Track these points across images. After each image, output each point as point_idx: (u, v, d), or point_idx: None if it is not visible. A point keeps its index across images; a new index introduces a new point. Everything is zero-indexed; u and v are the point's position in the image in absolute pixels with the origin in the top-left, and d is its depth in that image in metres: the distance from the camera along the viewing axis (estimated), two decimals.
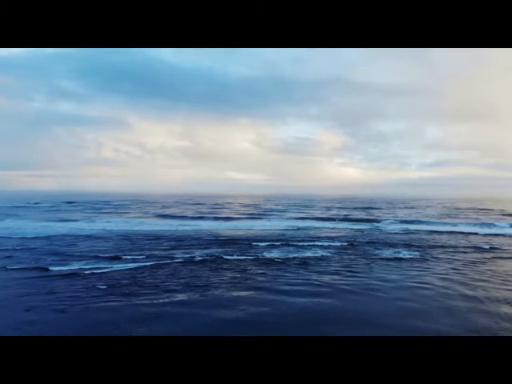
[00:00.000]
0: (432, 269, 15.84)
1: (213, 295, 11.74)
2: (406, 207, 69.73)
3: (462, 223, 36.45)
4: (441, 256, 18.98)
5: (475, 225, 34.92)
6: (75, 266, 15.90)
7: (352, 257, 18.53)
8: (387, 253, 19.92)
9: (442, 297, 11.63)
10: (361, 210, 61.41)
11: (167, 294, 11.70)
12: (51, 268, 15.32)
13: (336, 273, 14.97)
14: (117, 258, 17.61)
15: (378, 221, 39.00)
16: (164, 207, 67.58)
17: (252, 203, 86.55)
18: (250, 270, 15.55)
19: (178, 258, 17.85)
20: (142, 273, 14.77)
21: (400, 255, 19.06)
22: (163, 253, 19.18)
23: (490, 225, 34.35)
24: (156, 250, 20.24)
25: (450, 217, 46.83)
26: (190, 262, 17.01)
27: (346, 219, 41.22)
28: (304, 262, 17.04)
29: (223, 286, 12.97)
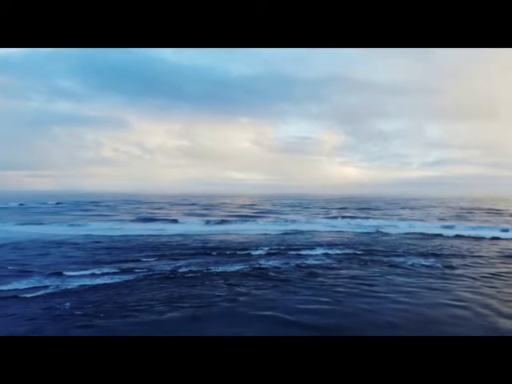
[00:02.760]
0: (459, 285, 13.43)
1: (199, 331, 9.06)
2: (410, 207, 67.14)
3: (474, 226, 34.02)
4: (466, 268, 16.41)
5: (485, 228, 32.42)
6: (30, 282, 13.44)
7: (364, 267, 16.49)
8: (400, 260, 17.91)
9: (484, 330, 9.27)
10: (363, 210, 58.62)
11: (137, 327, 9.32)
12: None
13: (352, 291, 12.52)
14: (74, 274, 14.70)
15: (383, 223, 37.12)
16: (155, 208, 63.58)
17: (250, 203, 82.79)
18: (246, 287, 13.12)
19: (157, 270, 15.49)
20: (109, 291, 12.40)
21: (417, 266, 16.81)
22: (142, 264, 16.84)
23: (505, 229, 31.64)
24: (134, 260, 17.80)
25: (458, 218, 44.32)
26: (172, 276, 14.45)
27: (349, 222, 39.16)
28: (310, 275, 14.90)
29: (214, 313, 10.30)
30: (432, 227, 33.57)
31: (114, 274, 14.91)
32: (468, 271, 15.79)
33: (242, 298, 11.76)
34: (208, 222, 38.48)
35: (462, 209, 61.70)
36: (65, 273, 15.03)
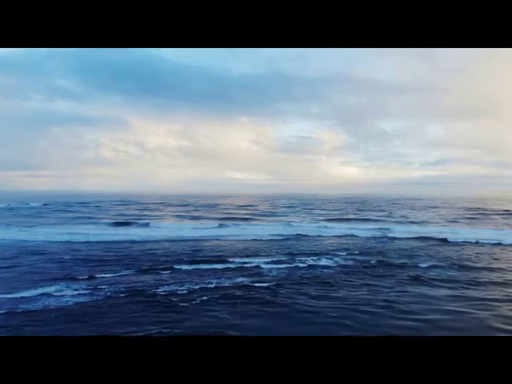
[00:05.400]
0: (502, 307, 11.45)
1: None
2: (414, 208, 64.49)
3: (490, 231, 31.05)
4: (503, 285, 14.11)
5: (504, 232, 29.96)
6: None
7: (383, 280, 14.43)
8: (422, 273, 15.76)
9: None
10: (366, 212, 56.29)
11: None
12: None
13: (384, 321, 10.21)
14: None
15: (389, 226, 35.01)
16: (149, 209, 60.97)
17: (248, 204, 79.45)
18: (243, 311, 10.86)
19: (135, 287, 13.31)
20: (85, 314, 10.51)
21: (444, 280, 14.63)
22: (120, 278, 14.64)
23: None
24: (108, 273, 15.63)
25: (470, 220, 42.07)
26: (151, 300, 11.99)
27: (353, 224, 37.33)
28: (323, 294, 12.67)
29: None
30: (446, 232, 30.43)
31: (87, 292, 12.83)
32: (507, 289, 13.58)
33: (238, 333, 9.36)
34: (202, 226, 36.35)
35: (471, 210, 58.96)
36: (28, 292, 12.86)
